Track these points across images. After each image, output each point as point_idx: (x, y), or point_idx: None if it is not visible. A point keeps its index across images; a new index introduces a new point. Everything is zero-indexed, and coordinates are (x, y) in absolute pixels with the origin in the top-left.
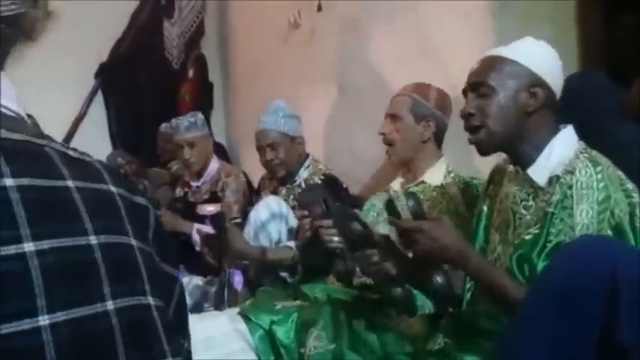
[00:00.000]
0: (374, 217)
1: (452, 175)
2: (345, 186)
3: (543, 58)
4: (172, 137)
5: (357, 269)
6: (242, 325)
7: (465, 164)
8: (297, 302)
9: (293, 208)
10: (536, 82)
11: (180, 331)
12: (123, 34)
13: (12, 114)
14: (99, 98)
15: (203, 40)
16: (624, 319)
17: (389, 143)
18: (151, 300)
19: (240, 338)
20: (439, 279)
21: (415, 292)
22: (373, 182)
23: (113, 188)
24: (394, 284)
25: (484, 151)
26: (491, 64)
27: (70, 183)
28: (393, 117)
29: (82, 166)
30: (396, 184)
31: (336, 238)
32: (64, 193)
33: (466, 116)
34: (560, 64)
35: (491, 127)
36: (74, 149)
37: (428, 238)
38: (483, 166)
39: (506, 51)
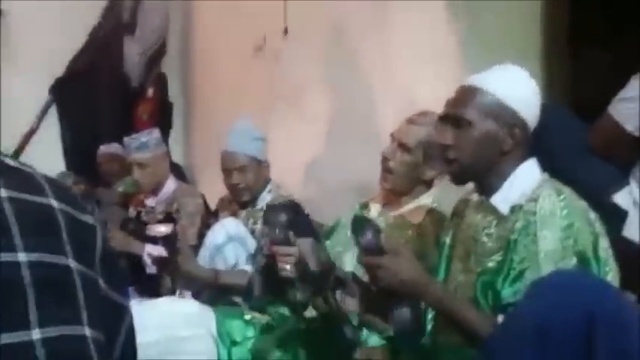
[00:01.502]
0: (346, 236)
1: (435, 212)
2: (307, 212)
3: (525, 95)
4: (115, 157)
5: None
6: (211, 315)
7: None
8: (265, 316)
9: (252, 232)
10: (516, 123)
11: None
12: (81, 49)
13: None
14: (53, 114)
15: (165, 60)
16: None
17: (388, 170)
18: (87, 331)
19: (202, 326)
20: (403, 314)
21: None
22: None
23: (55, 203)
24: (345, 326)
25: (457, 182)
26: (470, 96)
27: (3, 192)
28: (402, 146)
29: (19, 176)
30: (375, 208)
31: (288, 267)
32: None
33: (442, 147)
34: (538, 100)
35: (465, 161)
36: (14, 159)
37: (389, 273)
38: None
39: (485, 82)
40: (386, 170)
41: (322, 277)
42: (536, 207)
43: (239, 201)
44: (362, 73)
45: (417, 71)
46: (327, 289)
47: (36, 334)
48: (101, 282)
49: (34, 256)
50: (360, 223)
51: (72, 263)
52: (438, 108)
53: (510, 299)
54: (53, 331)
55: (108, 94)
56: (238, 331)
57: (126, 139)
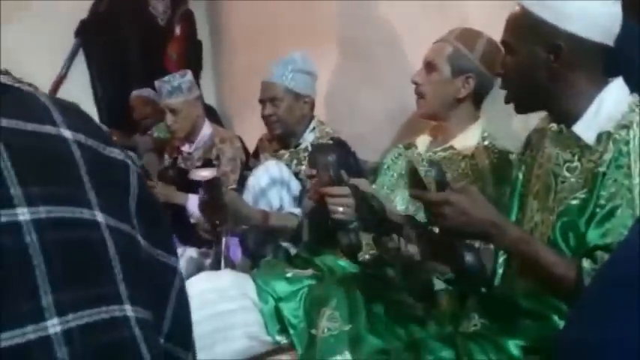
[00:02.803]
0: (392, 179)
1: (486, 142)
2: (353, 150)
3: (573, 9)
4: (147, 101)
5: (364, 244)
6: (250, 283)
7: (504, 129)
8: (308, 271)
9: (296, 174)
10: (559, 37)
11: (181, 343)
12: None
13: None
14: (81, 59)
15: None
16: None
17: (420, 95)
18: (129, 310)
19: (246, 296)
20: (468, 257)
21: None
22: (398, 139)
23: (67, 133)
24: (415, 270)
25: (518, 109)
26: (516, 20)
27: None
28: (428, 66)
29: (15, 98)
30: (422, 143)
31: (341, 209)
32: None
33: (499, 75)
34: (604, 8)
35: (518, 85)
36: (7, 74)
37: (456, 211)
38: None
39: (533, 5)
40: (418, 95)
41: (381, 219)
42: (628, 134)
43: (272, 134)
44: (404, 4)
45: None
46: (383, 234)
47: (53, 327)
48: (140, 238)
49: (42, 212)
50: (420, 165)
51: (99, 216)
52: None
53: (598, 242)
54: (78, 319)
55: (135, 34)
56: (282, 289)
57: (157, 83)
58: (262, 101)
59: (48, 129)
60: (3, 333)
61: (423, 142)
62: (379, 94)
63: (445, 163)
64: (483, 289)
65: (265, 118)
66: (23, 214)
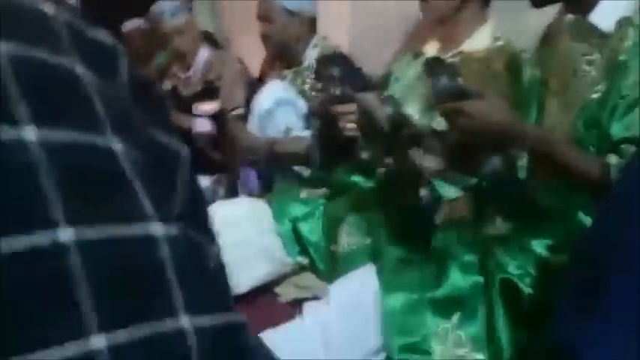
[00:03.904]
0: (403, 88)
1: (499, 43)
2: (358, 66)
3: None
4: (142, 32)
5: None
6: (266, 208)
7: (517, 27)
8: (322, 191)
9: (302, 92)
10: None
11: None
12: None
13: None
14: None
15: None
16: None
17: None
18: (155, 226)
19: (263, 221)
20: (493, 161)
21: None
22: (405, 48)
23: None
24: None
25: (534, 1)
26: None
27: None
28: None
29: None
30: (431, 50)
31: (351, 125)
32: None
33: None
34: None
35: None
36: None
37: (473, 118)
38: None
39: None
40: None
41: (394, 132)
42: None
43: (268, 53)
44: None
45: None
46: (401, 147)
47: (65, 235)
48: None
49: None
50: (435, 67)
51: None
52: None
53: (622, 134)
54: (93, 232)
55: None
56: (298, 210)
57: (155, 8)
58: (257, 19)
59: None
60: (5, 238)
61: (431, 49)
62: (382, 5)
63: (457, 68)
64: (508, 193)
65: (260, 37)
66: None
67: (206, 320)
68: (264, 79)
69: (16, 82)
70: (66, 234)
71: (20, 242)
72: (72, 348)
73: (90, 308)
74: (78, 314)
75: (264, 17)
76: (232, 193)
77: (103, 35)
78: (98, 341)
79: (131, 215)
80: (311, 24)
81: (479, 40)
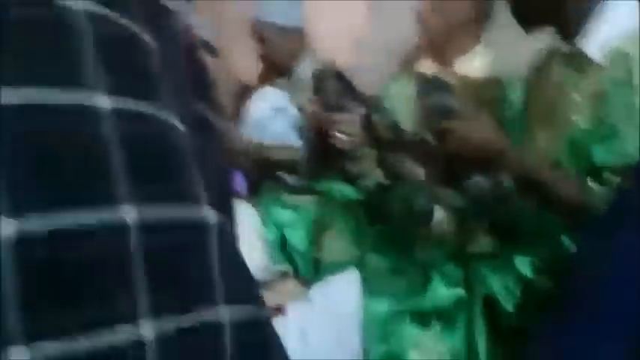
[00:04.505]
0: (397, 105)
1: (491, 65)
2: (349, 80)
3: None
4: None
5: (367, 171)
6: (252, 211)
7: (509, 53)
8: (310, 197)
9: (295, 103)
10: None
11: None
12: None
13: None
14: None
15: None
16: None
17: (420, 21)
18: (205, 212)
19: (246, 228)
20: (478, 180)
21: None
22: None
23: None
24: (418, 192)
25: (523, 24)
26: None
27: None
28: None
29: None
30: (426, 70)
31: (344, 136)
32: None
33: None
34: None
35: None
36: None
37: (462, 139)
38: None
39: None
40: (418, 22)
41: (389, 141)
42: (634, 50)
43: (263, 66)
44: None
45: None
46: (393, 155)
47: (130, 212)
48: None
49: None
50: (430, 84)
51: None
52: None
53: (605, 161)
54: (155, 213)
55: None
56: (285, 216)
57: None
58: (252, 38)
59: None
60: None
61: (426, 68)
62: (380, 26)
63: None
64: (493, 212)
65: (256, 55)
66: (103, 102)
67: (243, 312)
68: (256, 87)
69: (89, 40)
70: (129, 214)
71: (84, 218)
72: (121, 333)
73: (143, 291)
74: (131, 296)
75: (258, 37)
76: None
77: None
78: (146, 329)
79: (189, 197)
80: (300, 37)
81: (472, 62)
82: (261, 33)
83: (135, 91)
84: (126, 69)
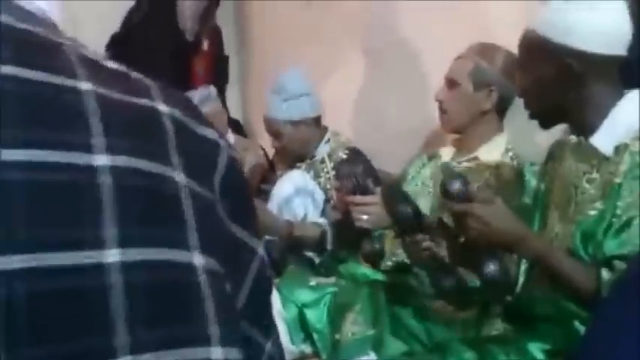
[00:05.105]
0: (416, 187)
1: (510, 154)
2: (369, 159)
3: (578, 21)
4: None
5: (386, 251)
6: (274, 293)
7: (527, 141)
8: (332, 279)
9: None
10: (570, 55)
11: (254, 321)
12: (135, 4)
13: (33, 10)
14: None
15: (218, 11)
16: None
17: (443, 111)
18: (197, 258)
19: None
20: (492, 266)
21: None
22: (422, 150)
23: (163, 107)
24: (445, 272)
25: (541, 125)
26: (525, 41)
27: (83, 85)
28: (450, 82)
29: (115, 76)
30: (446, 154)
31: (365, 217)
32: (69, 94)
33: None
34: (613, 22)
35: (535, 103)
36: (113, 61)
37: (480, 223)
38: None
39: (540, 25)
40: (441, 111)
41: (418, 220)
42: None
43: (285, 160)
44: (426, 11)
45: (489, 5)
46: (413, 236)
47: (111, 256)
48: (220, 209)
49: (121, 160)
50: (448, 172)
51: (179, 176)
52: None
53: (615, 252)
54: (141, 254)
55: (163, 50)
56: (306, 297)
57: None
58: (267, 132)
59: (143, 101)
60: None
61: (447, 152)
62: (403, 105)
63: (470, 173)
64: (507, 297)
65: (273, 149)
66: (101, 159)
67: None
68: (275, 167)
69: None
70: None
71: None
72: None
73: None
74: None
75: (273, 134)
76: None
77: (208, 131)
78: None
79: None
80: (317, 123)
81: (492, 149)
82: (277, 130)
83: (142, 151)
84: (135, 135)
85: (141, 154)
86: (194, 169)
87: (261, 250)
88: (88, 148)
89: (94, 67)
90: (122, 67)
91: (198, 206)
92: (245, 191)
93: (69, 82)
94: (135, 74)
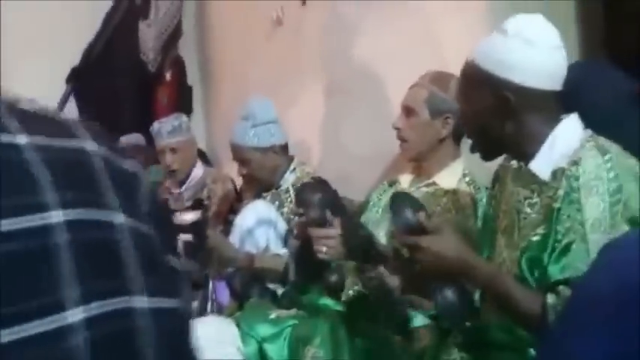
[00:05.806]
0: (377, 214)
1: (467, 179)
2: (334, 189)
3: (517, 57)
4: (137, 148)
5: (348, 283)
6: (233, 330)
7: (483, 166)
8: (292, 312)
9: (281, 214)
10: (506, 88)
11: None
12: (95, 37)
13: None
14: (71, 105)
15: (181, 41)
16: None
17: (402, 139)
18: (146, 301)
19: (230, 344)
20: (446, 294)
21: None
22: (384, 176)
23: (90, 146)
24: (394, 302)
25: (482, 157)
26: (466, 72)
27: (21, 139)
28: (407, 110)
29: (42, 120)
30: (405, 180)
31: (324, 249)
32: (10, 151)
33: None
34: (550, 56)
35: (475, 133)
36: (33, 103)
37: (428, 254)
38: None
39: (480, 57)
40: (400, 140)
41: (373, 250)
42: (578, 170)
43: (251, 188)
44: (387, 39)
45: (446, 34)
46: (369, 263)
47: (75, 315)
48: (157, 242)
49: (73, 214)
50: (399, 200)
51: (120, 218)
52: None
53: (558, 276)
54: (102, 307)
55: (126, 81)
56: (266, 331)
57: (156, 124)
58: (234, 159)
59: (74, 143)
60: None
61: (406, 179)
62: (366, 131)
63: (428, 198)
64: (465, 324)
65: (240, 176)
66: (56, 216)
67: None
68: (243, 197)
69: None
70: None
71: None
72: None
73: None
74: None
75: (240, 161)
76: (204, 309)
77: (129, 164)
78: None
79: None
80: (283, 151)
81: (450, 175)
82: (243, 157)
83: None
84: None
85: (87, 203)
86: (129, 206)
87: (185, 275)
88: (44, 206)
89: (22, 116)
90: (43, 109)
91: (141, 244)
92: (168, 217)
93: (5, 138)
94: (57, 114)
